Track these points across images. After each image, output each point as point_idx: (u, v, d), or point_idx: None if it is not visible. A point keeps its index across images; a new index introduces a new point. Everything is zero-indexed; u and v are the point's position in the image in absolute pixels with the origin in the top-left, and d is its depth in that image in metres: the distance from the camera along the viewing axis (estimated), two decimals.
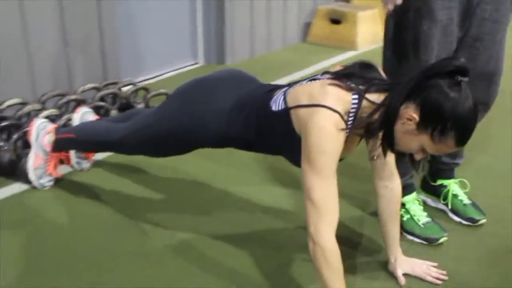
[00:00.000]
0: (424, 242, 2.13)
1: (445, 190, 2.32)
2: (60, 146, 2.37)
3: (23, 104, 2.88)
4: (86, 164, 2.65)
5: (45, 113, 2.71)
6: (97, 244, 2.10)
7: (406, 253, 2.00)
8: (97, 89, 3.23)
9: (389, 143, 1.60)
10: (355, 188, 2.47)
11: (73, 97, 2.98)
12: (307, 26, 5.27)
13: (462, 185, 2.36)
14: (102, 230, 2.20)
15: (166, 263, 2.00)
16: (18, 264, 1.97)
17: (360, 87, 1.57)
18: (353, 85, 1.57)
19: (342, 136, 1.54)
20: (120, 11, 3.63)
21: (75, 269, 1.95)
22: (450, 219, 2.30)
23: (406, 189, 2.20)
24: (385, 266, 1.97)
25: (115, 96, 3.17)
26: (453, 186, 2.32)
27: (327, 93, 1.55)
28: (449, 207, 2.30)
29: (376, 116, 1.57)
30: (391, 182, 1.87)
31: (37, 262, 1.99)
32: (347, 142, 1.60)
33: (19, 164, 2.47)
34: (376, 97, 1.58)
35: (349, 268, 1.93)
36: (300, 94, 1.62)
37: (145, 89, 3.32)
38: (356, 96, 1.56)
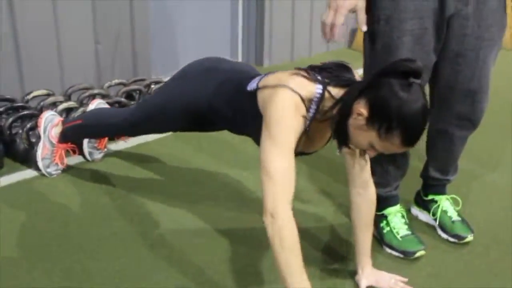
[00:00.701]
0: (401, 256, 2.10)
1: (435, 206, 2.28)
2: (67, 136, 2.50)
3: (48, 95, 3.05)
4: (98, 155, 2.78)
5: (64, 105, 2.87)
6: (88, 229, 2.22)
7: (381, 266, 2.00)
8: (124, 85, 3.37)
9: (341, 138, 1.63)
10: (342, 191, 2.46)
11: (95, 91, 3.12)
12: (354, 32, 5.23)
13: (455, 202, 2.31)
14: (96, 216, 2.31)
15: (158, 250, 2.08)
16: (12, 240, 2.11)
17: (326, 80, 1.62)
18: (319, 77, 1.62)
19: (300, 118, 1.58)
20: (155, 10, 3.74)
21: (64, 250, 2.07)
22: (438, 235, 2.26)
23: (390, 201, 2.19)
24: (353, 276, 1.96)
25: (140, 92, 3.29)
26: (443, 202, 2.28)
27: (293, 79, 1.61)
28: (437, 222, 2.26)
29: (334, 110, 1.60)
30: (364, 190, 1.88)
31: (29, 240, 2.12)
32: (315, 134, 1.66)
33: (32, 152, 2.62)
34: (337, 92, 1.61)
35: (317, 274, 1.97)
36: (270, 79, 1.69)
37: None
38: (320, 87, 1.60)
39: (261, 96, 1.69)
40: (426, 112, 1.52)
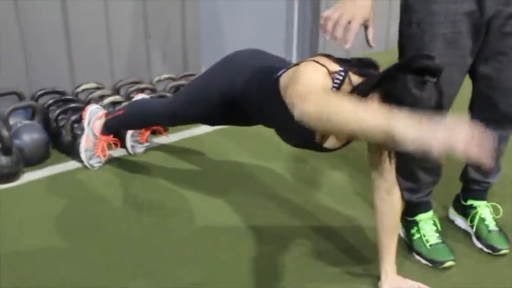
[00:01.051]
0: (429, 264, 2.04)
1: (473, 212, 2.20)
2: (109, 127, 2.58)
3: (98, 88, 3.14)
4: (140, 149, 2.85)
5: (110, 99, 2.95)
6: (119, 221, 2.27)
7: (408, 272, 1.95)
8: (173, 80, 3.42)
9: None
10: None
11: (142, 85, 3.19)
12: None
13: (495, 210, 2.21)
14: (129, 209, 2.37)
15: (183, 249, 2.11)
16: (44, 228, 2.20)
17: (347, 67, 1.60)
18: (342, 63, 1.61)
19: (325, 82, 1.55)
20: (207, 5, 3.77)
21: (92, 241, 2.14)
22: (473, 244, 2.17)
23: (422, 207, 2.13)
24: (376, 281, 1.92)
25: None
26: (482, 208, 2.19)
27: (318, 58, 1.60)
28: (474, 230, 2.18)
29: None
30: (389, 196, 1.84)
31: (61, 228, 2.21)
32: None
33: (75, 144, 2.71)
34: (357, 80, 1.59)
35: (339, 275, 1.95)
36: (295, 64, 1.68)
37: None
38: (342, 69, 1.59)
39: (283, 78, 1.70)
40: (439, 111, 1.45)
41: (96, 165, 2.70)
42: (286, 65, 1.83)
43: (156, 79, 3.40)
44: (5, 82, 2.92)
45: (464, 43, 1.83)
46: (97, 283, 1.91)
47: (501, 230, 2.15)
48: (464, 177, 2.22)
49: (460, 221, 2.27)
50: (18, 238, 2.14)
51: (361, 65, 1.63)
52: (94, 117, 2.62)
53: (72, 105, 2.86)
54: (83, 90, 3.11)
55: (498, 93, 1.94)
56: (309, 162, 2.80)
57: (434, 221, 2.14)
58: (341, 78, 1.58)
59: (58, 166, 2.75)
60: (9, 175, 2.57)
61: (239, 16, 4.10)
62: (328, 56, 1.63)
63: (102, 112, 2.64)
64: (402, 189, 2.08)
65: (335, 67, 1.59)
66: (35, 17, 2.98)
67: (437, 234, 2.10)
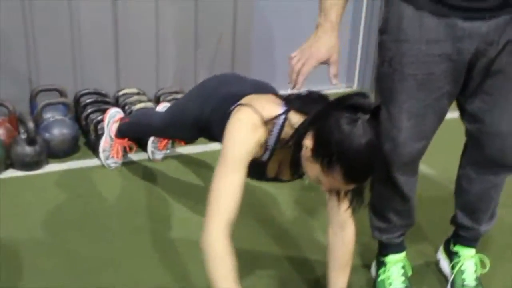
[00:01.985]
0: None
1: (456, 260, 2.08)
2: (122, 132, 2.71)
3: (138, 94, 3.30)
4: (158, 156, 2.96)
5: (138, 105, 3.08)
6: (113, 222, 2.38)
7: None
8: None
9: (296, 169, 1.59)
10: None
11: (180, 95, 3.30)
12: None
13: (482, 263, 2.07)
14: (129, 212, 2.47)
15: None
16: (38, 218, 2.36)
17: (288, 107, 1.61)
18: (284, 105, 1.61)
19: (257, 136, 1.56)
20: (259, 17, 3.81)
21: (80, 236, 2.27)
22: None
23: (392, 248, 2.05)
24: None
25: None
26: (466, 259, 2.06)
27: (259, 100, 1.62)
28: (451, 279, 2.06)
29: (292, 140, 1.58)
30: (341, 230, 1.78)
31: (55, 220, 2.36)
32: (285, 160, 1.63)
33: (97, 143, 2.87)
34: (298, 120, 1.58)
35: None
36: (244, 100, 1.67)
37: None
38: (283, 111, 1.60)
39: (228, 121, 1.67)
40: (371, 149, 1.42)
41: (112, 165, 2.84)
42: (255, 91, 1.80)
43: None
44: (52, 79, 3.16)
45: (439, 85, 1.72)
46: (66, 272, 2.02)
47: (478, 286, 2.01)
48: (454, 221, 2.10)
49: (444, 264, 2.15)
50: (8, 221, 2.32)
51: (308, 100, 1.61)
52: (112, 119, 2.77)
53: (103, 107, 3.03)
54: (124, 94, 3.27)
55: (485, 136, 1.83)
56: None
57: (404, 264, 2.04)
58: (280, 123, 1.59)
59: (81, 162, 2.92)
60: (31, 164, 2.77)
61: (296, 34, 4.10)
62: (274, 94, 1.65)
63: (119, 116, 2.77)
64: (373, 227, 2.03)
65: (275, 109, 1.59)
66: (86, 20, 3.20)
67: (403, 278, 2.01)
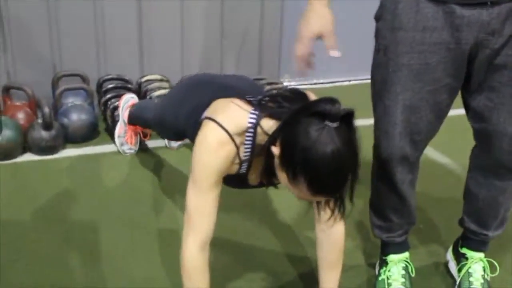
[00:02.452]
0: None
1: (463, 263, 1.95)
2: (130, 119, 2.68)
3: (161, 81, 3.27)
4: (174, 144, 2.92)
5: (157, 92, 3.06)
6: (112, 210, 2.36)
7: None
8: None
9: (268, 177, 1.50)
10: None
11: None
12: None
13: (491, 267, 1.95)
14: (131, 200, 2.44)
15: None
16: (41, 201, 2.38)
17: (259, 113, 1.48)
18: (255, 110, 1.49)
19: (224, 153, 1.47)
20: (293, 10, 3.71)
21: (74, 223, 2.27)
22: None
23: (393, 248, 1.95)
24: None
25: None
26: (474, 262, 1.93)
27: (225, 110, 1.51)
28: (458, 282, 1.94)
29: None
30: (328, 228, 1.67)
31: (57, 203, 2.38)
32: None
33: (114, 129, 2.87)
34: (272, 125, 1.46)
35: None
36: (211, 108, 1.58)
37: None
38: (252, 122, 1.48)
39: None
40: (338, 159, 1.30)
41: (127, 151, 2.83)
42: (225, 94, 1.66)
43: None
44: (76, 65, 3.17)
45: (435, 77, 1.61)
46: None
47: None
48: (461, 224, 1.98)
49: (452, 265, 2.03)
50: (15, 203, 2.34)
51: (282, 102, 1.47)
52: (126, 105, 2.74)
53: (122, 92, 3.01)
54: (147, 81, 3.26)
55: (491, 137, 1.70)
56: None
57: (406, 265, 1.93)
58: (251, 133, 1.48)
59: (98, 147, 2.93)
60: (47, 148, 2.79)
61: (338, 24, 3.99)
62: (246, 101, 1.52)
63: (132, 101, 2.74)
64: (373, 225, 1.95)
65: (244, 119, 1.48)
66: (111, 6, 3.20)
67: (403, 280, 1.90)
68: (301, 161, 1.31)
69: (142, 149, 2.88)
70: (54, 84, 3.09)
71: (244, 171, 1.56)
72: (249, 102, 1.51)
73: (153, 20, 3.31)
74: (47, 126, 2.76)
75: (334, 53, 1.59)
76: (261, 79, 3.55)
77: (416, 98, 1.63)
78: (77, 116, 2.92)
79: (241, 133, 1.48)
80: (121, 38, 3.29)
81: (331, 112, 1.29)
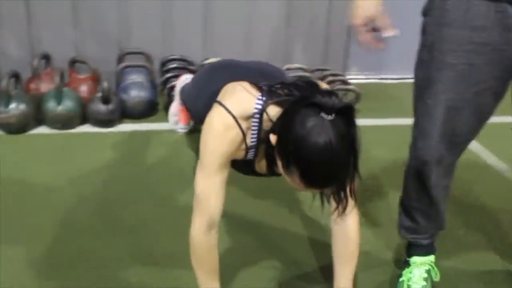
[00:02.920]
0: None
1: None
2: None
3: None
4: (181, 128, 2.94)
5: None
6: (156, 187, 2.43)
7: None
8: (304, 71, 3.43)
9: (269, 164, 1.51)
10: None
11: None
12: None
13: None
14: (169, 178, 2.50)
15: None
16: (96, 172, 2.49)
17: (267, 99, 1.47)
18: (263, 96, 1.48)
19: (230, 137, 1.48)
20: None
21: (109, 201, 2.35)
22: None
23: (418, 249, 1.89)
24: None
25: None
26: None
27: (233, 94, 1.52)
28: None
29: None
30: (341, 220, 1.61)
31: (103, 176, 2.47)
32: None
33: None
34: (277, 112, 1.44)
35: None
36: (223, 91, 1.58)
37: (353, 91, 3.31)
38: (259, 108, 1.48)
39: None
40: (330, 151, 1.27)
41: (180, 130, 2.87)
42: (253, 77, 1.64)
43: (286, 66, 3.44)
44: (142, 44, 3.27)
45: (480, 78, 1.53)
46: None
47: None
48: None
49: None
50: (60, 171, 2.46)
51: (291, 90, 1.45)
52: (182, 85, 2.79)
53: (183, 73, 3.07)
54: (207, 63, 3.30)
55: None
56: None
57: (430, 268, 1.86)
58: (257, 120, 1.48)
59: (154, 124, 3.01)
60: (104, 121, 2.90)
61: (403, 14, 3.87)
62: (256, 86, 1.50)
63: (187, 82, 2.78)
64: (400, 225, 1.90)
65: (251, 105, 1.47)
66: None
67: (424, 283, 1.83)
68: (294, 151, 1.31)
69: (195, 129, 2.92)
70: (119, 60, 3.20)
71: (252, 158, 1.56)
72: (259, 88, 1.50)
73: (220, 4, 3.34)
74: (105, 100, 2.87)
75: (389, 33, 1.57)
76: (324, 69, 3.51)
77: (458, 99, 1.56)
78: (136, 92, 3.01)
79: (248, 118, 1.48)
80: (187, 19, 3.35)
81: (326, 104, 1.28)
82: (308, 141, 1.27)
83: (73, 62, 3.09)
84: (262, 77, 1.61)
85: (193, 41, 3.40)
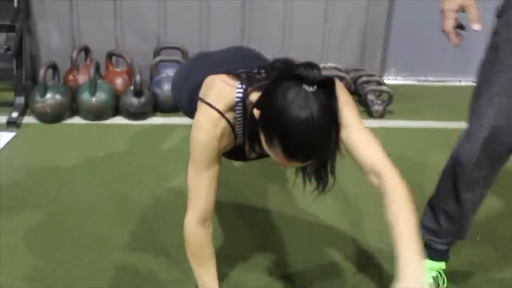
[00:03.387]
0: None
1: None
2: None
3: None
4: None
5: None
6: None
7: None
8: (339, 70, 3.43)
9: (250, 142, 1.50)
10: None
11: None
12: None
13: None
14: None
15: None
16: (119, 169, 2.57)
17: (246, 86, 1.49)
18: (242, 84, 1.50)
19: (218, 132, 1.51)
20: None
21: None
22: None
23: (430, 252, 1.85)
24: None
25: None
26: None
27: (213, 88, 1.54)
28: None
29: None
30: (377, 178, 1.47)
31: (120, 166, 2.55)
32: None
33: None
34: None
35: None
36: (203, 87, 1.61)
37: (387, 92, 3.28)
38: (239, 97, 1.50)
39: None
40: (310, 121, 1.27)
41: None
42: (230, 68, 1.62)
43: (321, 65, 3.44)
44: (178, 38, 3.33)
45: None
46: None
47: None
48: None
49: None
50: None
51: (275, 70, 1.45)
52: None
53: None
54: None
55: None
56: None
57: (437, 275, 1.84)
58: (241, 108, 1.50)
59: (185, 119, 3.02)
60: (136, 114, 2.98)
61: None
62: (234, 75, 1.52)
63: None
64: (421, 224, 1.83)
65: (232, 95, 1.49)
66: None
67: None
68: (275, 122, 1.31)
69: None
70: (156, 54, 3.27)
71: (241, 143, 1.58)
72: (237, 76, 1.52)
73: (257, 1, 3.37)
74: (137, 93, 2.94)
75: (477, 26, 1.50)
76: (359, 69, 3.49)
77: (511, 105, 1.53)
78: (168, 86, 3.06)
79: (232, 109, 1.50)
80: (224, 17, 3.38)
81: (308, 76, 1.28)
82: (290, 112, 1.28)
83: (110, 55, 3.18)
84: (239, 64, 1.63)
85: (229, 39, 3.42)
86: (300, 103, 1.27)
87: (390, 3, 3.51)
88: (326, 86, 1.29)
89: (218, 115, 1.49)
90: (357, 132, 1.50)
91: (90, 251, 1.96)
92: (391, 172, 1.46)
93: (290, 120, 1.28)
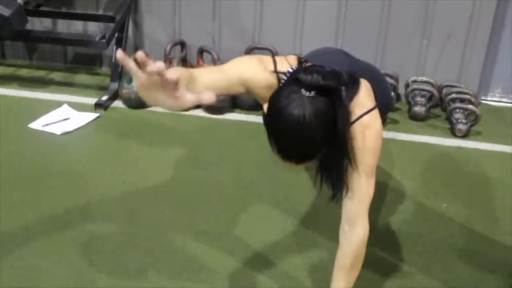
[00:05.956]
0: None
1: None
2: None
3: None
4: None
5: None
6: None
7: None
8: (431, 85, 3.30)
9: None
10: None
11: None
12: None
13: None
14: (244, 166, 2.65)
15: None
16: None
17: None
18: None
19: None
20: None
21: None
22: None
23: None
24: None
25: (429, 97, 3.22)
26: None
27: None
28: None
29: None
30: (350, 228, 1.61)
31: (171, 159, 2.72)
32: None
33: None
34: None
35: None
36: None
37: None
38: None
39: None
40: (301, 124, 1.33)
41: None
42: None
43: (412, 78, 3.34)
44: (271, 41, 3.42)
45: None
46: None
47: None
48: None
49: None
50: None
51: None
52: None
53: None
54: None
55: None
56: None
57: None
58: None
59: (260, 117, 3.14)
60: (214, 109, 3.14)
61: None
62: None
63: None
64: None
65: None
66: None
67: None
68: (273, 119, 1.40)
69: None
70: (247, 54, 3.39)
71: None
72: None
73: (354, 6, 3.35)
74: None
75: None
76: (453, 86, 3.33)
77: None
78: None
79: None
80: (319, 21, 3.42)
81: (306, 81, 1.35)
82: (283, 113, 1.35)
83: (201, 51, 3.37)
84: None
85: (322, 44, 3.44)
86: (294, 105, 1.34)
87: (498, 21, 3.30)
88: (329, 94, 1.34)
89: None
90: (357, 180, 1.55)
91: (142, 233, 2.13)
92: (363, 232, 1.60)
93: (282, 120, 1.36)
